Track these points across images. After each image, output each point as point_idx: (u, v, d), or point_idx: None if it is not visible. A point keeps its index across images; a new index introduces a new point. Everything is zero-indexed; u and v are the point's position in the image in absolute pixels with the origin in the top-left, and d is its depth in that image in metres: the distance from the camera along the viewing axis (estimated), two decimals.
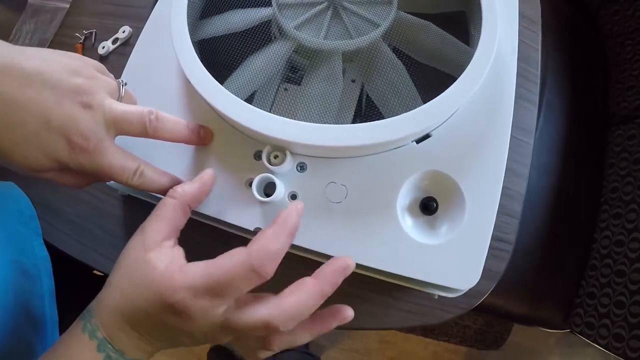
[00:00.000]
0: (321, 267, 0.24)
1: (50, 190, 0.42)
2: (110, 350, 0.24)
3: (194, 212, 0.30)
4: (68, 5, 0.51)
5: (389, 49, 0.31)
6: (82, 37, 0.49)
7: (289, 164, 0.28)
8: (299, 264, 0.31)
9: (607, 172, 0.61)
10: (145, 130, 0.27)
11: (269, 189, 0.29)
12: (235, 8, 0.35)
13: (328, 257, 0.29)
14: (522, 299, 0.59)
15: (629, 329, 0.49)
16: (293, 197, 0.29)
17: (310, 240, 0.29)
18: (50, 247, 0.39)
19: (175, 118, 0.29)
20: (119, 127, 0.26)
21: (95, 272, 0.42)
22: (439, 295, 0.33)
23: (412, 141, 0.30)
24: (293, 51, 0.32)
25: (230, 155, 0.31)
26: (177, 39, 0.31)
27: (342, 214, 0.29)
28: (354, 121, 0.33)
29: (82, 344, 0.24)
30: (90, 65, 0.28)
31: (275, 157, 0.28)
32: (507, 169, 0.30)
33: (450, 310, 0.38)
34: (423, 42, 0.32)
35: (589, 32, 0.69)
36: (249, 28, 0.33)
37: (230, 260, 0.22)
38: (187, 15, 0.32)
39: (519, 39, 0.35)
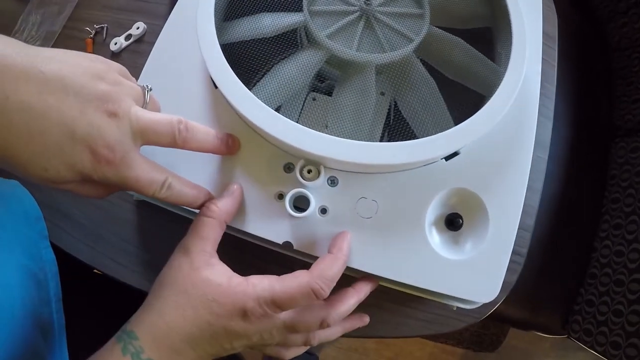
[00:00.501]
0: (357, 281, 0.31)
1: (58, 191, 0.40)
2: None
3: None
4: None
5: (421, 64, 0.31)
6: (93, 32, 0.47)
7: (322, 178, 0.28)
8: None
9: (609, 183, 0.62)
10: (174, 141, 0.26)
11: (299, 202, 0.28)
12: (261, 12, 0.34)
13: (355, 270, 0.29)
14: (521, 304, 0.61)
15: (626, 337, 0.51)
16: (323, 211, 0.29)
17: None
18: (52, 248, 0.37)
19: (206, 128, 0.28)
20: (146, 137, 0.25)
21: (95, 271, 0.41)
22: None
23: (442, 158, 0.30)
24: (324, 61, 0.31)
25: (258, 167, 0.30)
26: (205, 44, 0.30)
27: (372, 230, 0.29)
28: (382, 134, 0.33)
29: None
30: (113, 68, 0.26)
31: (309, 171, 0.28)
32: None
33: (464, 320, 0.39)
34: (454, 58, 0.32)
35: (596, 42, 0.70)
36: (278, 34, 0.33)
37: (295, 281, 0.25)
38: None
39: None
